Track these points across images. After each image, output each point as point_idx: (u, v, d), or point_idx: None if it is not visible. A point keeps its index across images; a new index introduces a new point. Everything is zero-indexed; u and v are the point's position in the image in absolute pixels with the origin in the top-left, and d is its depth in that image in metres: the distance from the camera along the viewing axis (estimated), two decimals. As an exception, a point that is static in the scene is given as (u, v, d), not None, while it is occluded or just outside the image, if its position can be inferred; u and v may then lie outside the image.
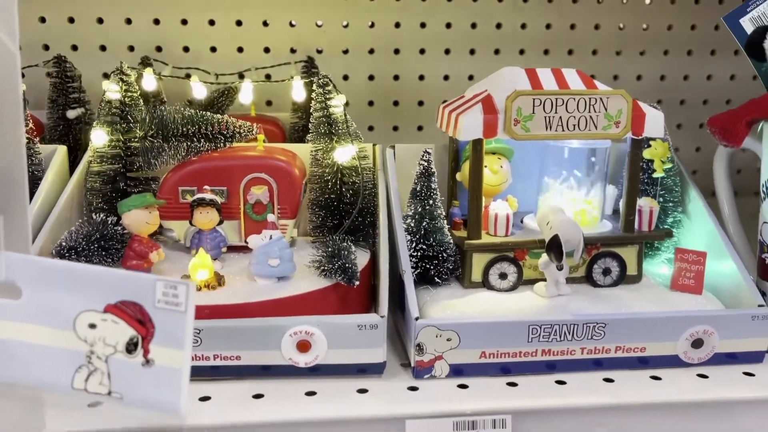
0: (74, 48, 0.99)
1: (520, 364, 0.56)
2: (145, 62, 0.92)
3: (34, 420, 0.42)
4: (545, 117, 0.57)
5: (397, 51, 1.09)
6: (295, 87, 0.72)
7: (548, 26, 1.06)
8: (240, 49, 1.01)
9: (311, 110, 0.68)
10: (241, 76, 0.98)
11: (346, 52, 1.07)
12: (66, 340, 0.37)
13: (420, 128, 1.12)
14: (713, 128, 0.63)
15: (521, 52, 1.09)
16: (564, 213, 0.58)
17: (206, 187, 0.63)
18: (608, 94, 0.58)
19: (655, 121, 0.59)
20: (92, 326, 0.37)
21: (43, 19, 0.98)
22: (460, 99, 0.64)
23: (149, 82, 0.74)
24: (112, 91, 0.67)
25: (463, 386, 0.55)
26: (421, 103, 1.11)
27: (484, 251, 0.61)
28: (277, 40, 1.03)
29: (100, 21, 0.99)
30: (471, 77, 1.11)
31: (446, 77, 1.11)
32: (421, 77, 1.10)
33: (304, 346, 0.54)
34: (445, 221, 0.62)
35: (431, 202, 0.61)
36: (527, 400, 0.53)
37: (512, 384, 0.55)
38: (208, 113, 0.66)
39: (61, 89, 0.88)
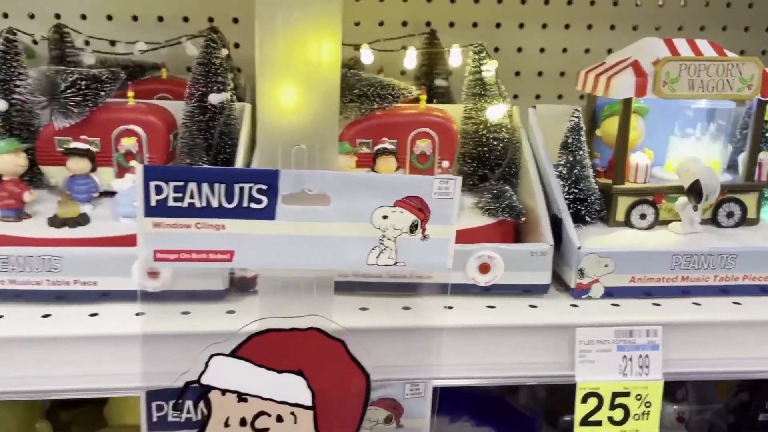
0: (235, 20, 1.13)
1: (661, 288, 0.67)
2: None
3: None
4: (689, 80, 0.67)
5: (498, 25, 1.19)
6: (453, 54, 0.82)
7: (637, 5, 1.16)
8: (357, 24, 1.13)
9: (466, 74, 0.78)
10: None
11: (451, 25, 1.17)
12: (364, 230, 0.49)
13: (515, 96, 1.22)
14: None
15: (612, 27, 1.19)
16: (702, 162, 0.68)
17: (384, 138, 0.74)
18: (743, 60, 0.67)
19: (782, 85, 0.69)
20: (385, 217, 0.49)
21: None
22: (602, 65, 0.74)
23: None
24: (293, 56, 0.78)
25: (615, 305, 0.66)
26: (517, 74, 1.21)
27: (629, 195, 0.71)
28: (390, 15, 1.14)
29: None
30: (565, 50, 1.21)
31: (542, 50, 1.21)
32: (519, 50, 1.20)
33: (485, 268, 0.65)
34: (591, 170, 0.72)
35: (581, 152, 0.71)
36: (673, 315, 0.64)
37: (656, 304, 0.66)
38: (380, 77, 0.77)
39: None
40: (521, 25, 1.18)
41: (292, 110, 0.49)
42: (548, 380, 0.63)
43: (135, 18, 1.14)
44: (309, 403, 0.51)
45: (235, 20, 1.15)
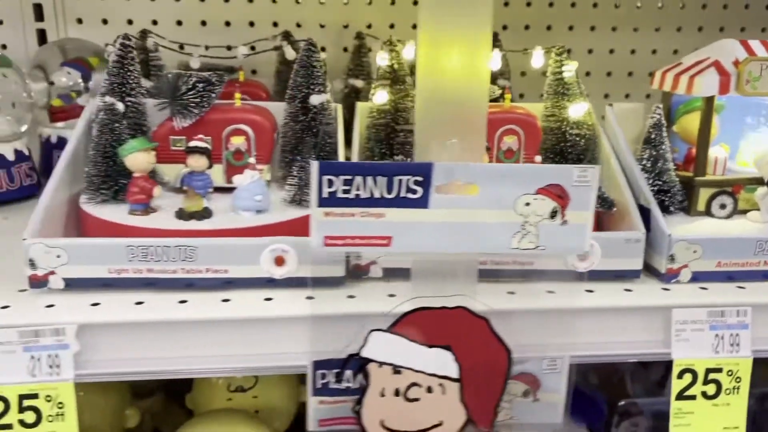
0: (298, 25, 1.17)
1: (745, 272, 0.72)
2: (359, 36, 1.08)
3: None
4: (770, 78, 0.72)
5: (549, 27, 1.25)
6: (535, 56, 0.87)
7: (704, 6, 1.23)
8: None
9: (548, 74, 0.83)
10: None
11: (505, 28, 1.23)
12: (508, 216, 0.54)
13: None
14: None
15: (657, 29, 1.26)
16: (781, 154, 0.74)
17: (476, 135, 0.79)
18: (819, 59, 0.72)
19: None
20: (527, 204, 0.54)
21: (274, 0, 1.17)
22: (678, 66, 0.79)
23: (410, 52, 0.89)
24: (382, 58, 0.83)
25: (703, 288, 0.71)
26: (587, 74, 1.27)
27: (710, 186, 0.76)
28: None
29: (321, 3, 1.18)
30: (611, 51, 1.28)
31: (590, 51, 1.27)
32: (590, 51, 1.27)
33: (583, 255, 0.70)
34: (672, 163, 0.77)
35: (663, 146, 0.76)
36: (759, 297, 0.69)
37: (741, 287, 0.71)
38: (467, 77, 0.82)
39: (290, 61, 1.04)
40: (592, 28, 1.25)
41: (446, 108, 0.54)
42: (647, 357, 0.68)
43: (204, 23, 1.19)
44: (456, 375, 0.56)
45: (298, 25, 1.20)
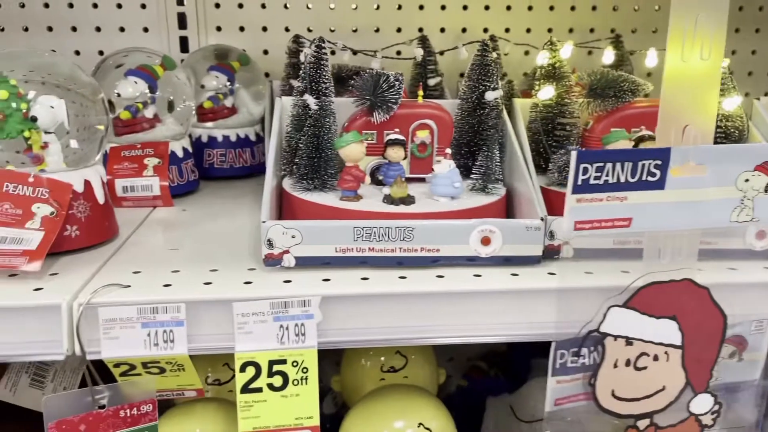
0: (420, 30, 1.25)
1: None
2: (492, 39, 1.15)
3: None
4: None
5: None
6: (650, 56, 0.93)
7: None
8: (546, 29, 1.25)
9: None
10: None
11: (634, 31, 1.28)
12: (729, 192, 0.60)
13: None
14: None
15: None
16: None
17: (642, 126, 0.85)
18: None
19: None
20: (746, 180, 0.60)
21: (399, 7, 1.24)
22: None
23: (567, 51, 0.96)
24: (543, 57, 0.90)
25: None
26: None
27: None
28: (580, 23, 1.27)
29: (443, 8, 1.25)
30: (753, 52, 1.33)
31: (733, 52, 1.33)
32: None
33: (761, 235, 0.76)
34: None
35: (819, 135, 0.82)
36: None
37: None
38: (625, 74, 0.88)
39: (422, 62, 1.11)
40: (737, 30, 1.32)
41: (685, 97, 0.60)
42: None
43: (332, 30, 1.27)
44: (679, 343, 0.62)
45: (420, 29, 1.27)
